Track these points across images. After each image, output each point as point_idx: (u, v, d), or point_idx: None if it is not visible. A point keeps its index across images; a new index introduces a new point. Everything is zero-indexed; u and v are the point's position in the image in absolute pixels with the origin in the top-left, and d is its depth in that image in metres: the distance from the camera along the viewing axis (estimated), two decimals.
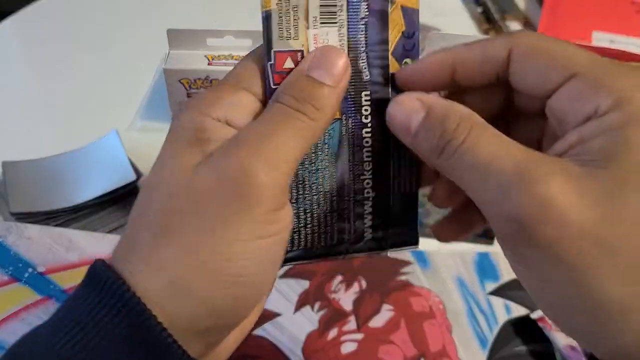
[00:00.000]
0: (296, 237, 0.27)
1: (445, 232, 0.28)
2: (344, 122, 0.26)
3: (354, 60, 0.25)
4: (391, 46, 0.26)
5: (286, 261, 0.26)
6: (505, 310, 0.47)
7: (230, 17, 0.78)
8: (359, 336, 0.45)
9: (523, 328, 0.46)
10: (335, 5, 0.24)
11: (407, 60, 0.26)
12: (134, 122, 0.62)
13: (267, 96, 0.24)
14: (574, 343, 0.43)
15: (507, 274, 0.50)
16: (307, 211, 0.27)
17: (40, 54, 0.73)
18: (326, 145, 0.26)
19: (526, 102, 0.24)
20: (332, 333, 0.44)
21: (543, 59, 0.21)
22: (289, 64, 0.24)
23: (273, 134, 0.22)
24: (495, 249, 0.52)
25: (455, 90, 0.25)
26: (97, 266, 0.22)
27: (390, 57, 0.26)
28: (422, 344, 0.44)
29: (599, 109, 0.19)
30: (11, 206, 0.49)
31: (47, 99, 0.67)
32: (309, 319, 0.45)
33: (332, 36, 0.24)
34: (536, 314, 0.46)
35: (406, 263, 0.50)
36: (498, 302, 0.48)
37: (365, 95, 0.26)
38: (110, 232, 0.49)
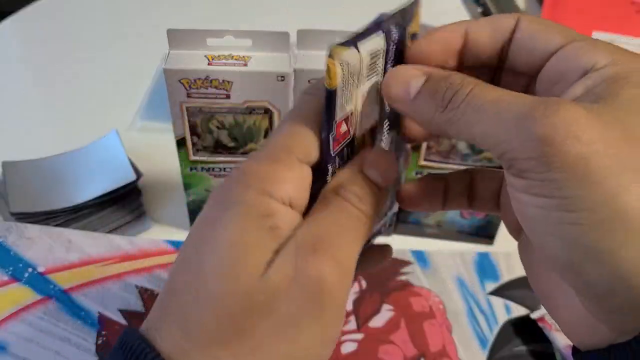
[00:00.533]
0: None
1: (409, 198, 0.28)
2: None
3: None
4: None
5: None
6: (505, 310, 0.47)
7: (230, 17, 0.79)
8: (359, 336, 0.45)
9: (523, 328, 0.46)
10: (377, 56, 0.24)
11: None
12: (134, 122, 0.62)
13: (325, 165, 0.24)
14: None
15: (507, 274, 0.50)
16: None
17: (40, 54, 0.73)
18: None
19: (513, 82, 0.25)
20: None
21: (547, 24, 0.23)
22: (343, 128, 0.24)
23: (342, 236, 0.22)
24: (495, 249, 0.52)
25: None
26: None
27: None
28: (422, 344, 0.44)
29: (596, 64, 0.21)
30: (11, 206, 0.49)
31: (47, 99, 0.67)
32: None
33: (370, 84, 0.25)
34: (536, 314, 0.46)
35: (406, 263, 0.50)
36: (498, 302, 0.48)
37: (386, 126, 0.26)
38: (110, 232, 0.49)
